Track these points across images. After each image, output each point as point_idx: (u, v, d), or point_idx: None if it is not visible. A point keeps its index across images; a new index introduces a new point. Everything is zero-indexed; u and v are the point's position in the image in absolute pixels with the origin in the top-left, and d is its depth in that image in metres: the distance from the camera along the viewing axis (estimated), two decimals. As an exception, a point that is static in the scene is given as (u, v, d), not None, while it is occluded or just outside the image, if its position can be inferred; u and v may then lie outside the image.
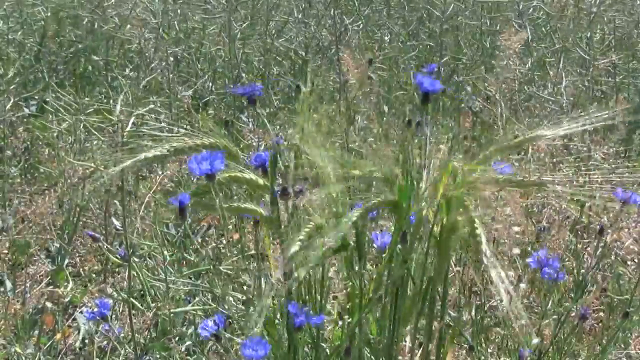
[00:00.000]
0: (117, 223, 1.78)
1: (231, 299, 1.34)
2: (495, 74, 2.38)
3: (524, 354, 1.49)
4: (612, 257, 1.89)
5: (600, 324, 1.80)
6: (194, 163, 1.11)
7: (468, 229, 1.06)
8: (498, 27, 3.21)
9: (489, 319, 1.67)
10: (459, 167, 1.08)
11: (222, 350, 1.69)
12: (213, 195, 1.12)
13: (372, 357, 1.16)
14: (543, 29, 3.29)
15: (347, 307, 1.19)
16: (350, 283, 1.16)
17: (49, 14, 3.02)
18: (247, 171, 1.19)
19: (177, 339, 1.72)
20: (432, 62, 3.10)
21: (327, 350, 1.19)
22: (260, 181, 1.18)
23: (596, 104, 2.93)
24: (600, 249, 1.67)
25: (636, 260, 1.97)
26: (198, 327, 1.73)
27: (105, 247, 1.89)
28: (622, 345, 1.76)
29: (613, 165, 2.32)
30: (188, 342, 1.71)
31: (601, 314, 1.84)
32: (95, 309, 1.54)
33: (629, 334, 1.81)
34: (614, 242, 1.87)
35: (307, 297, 1.19)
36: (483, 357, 1.56)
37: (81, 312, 1.86)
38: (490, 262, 1.01)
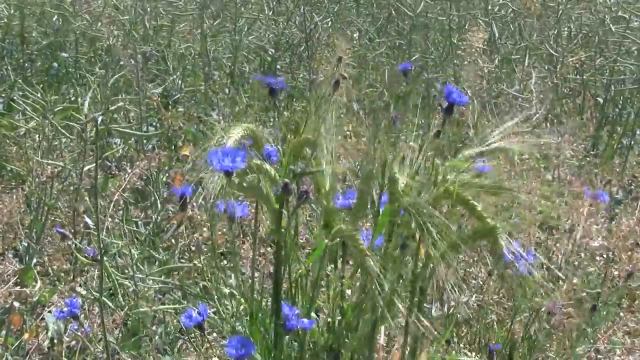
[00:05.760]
0: (89, 221, 1.76)
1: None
2: (464, 71, 2.39)
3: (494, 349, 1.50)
4: (582, 254, 1.91)
5: (569, 320, 1.81)
6: (215, 158, 1.09)
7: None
8: (467, 25, 3.22)
9: (459, 315, 1.67)
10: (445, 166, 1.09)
11: (192, 349, 1.68)
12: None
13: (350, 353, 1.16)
14: (510, 26, 3.31)
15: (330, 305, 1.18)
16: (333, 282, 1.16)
17: (12, 11, 2.99)
18: (267, 162, 1.18)
19: (149, 339, 1.71)
20: (401, 59, 3.11)
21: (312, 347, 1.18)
22: (274, 174, 1.17)
23: (565, 100, 2.96)
24: (569, 246, 1.69)
25: (605, 256, 1.99)
26: (169, 325, 1.73)
27: (74, 245, 1.88)
28: (591, 340, 1.78)
29: (582, 162, 2.35)
30: (160, 343, 1.70)
31: (570, 309, 1.85)
32: (65, 308, 1.52)
33: (597, 329, 1.83)
34: (583, 237, 1.88)
35: (296, 296, 1.18)
36: (454, 352, 1.57)
37: (50, 312, 1.84)
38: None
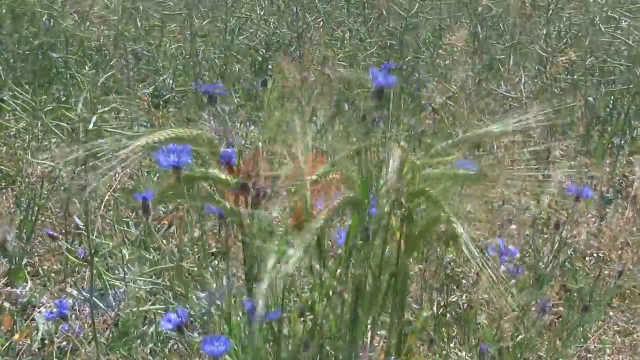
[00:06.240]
0: (78, 221, 1.76)
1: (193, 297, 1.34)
2: (452, 72, 2.39)
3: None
4: (570, 252, 1.91)
5: (559, 319, 1.82)
6: (161, 155, 1.11)
7: (442, 218, 1.08)
8: (457, 25, 3.23)
9: (450, 315, 1.68)
10: (417, 163, 1.09)
11: (183, 349, 1.68)
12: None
13: (332, 352, 1.17)
14: (501, 25, 3.32)
15: (309, 303, 1.19)
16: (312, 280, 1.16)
17: (4, 10, 2.98)
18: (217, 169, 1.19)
19: (139, 339, 1.71)
20: (393, 59, 3.11)
21: (289, 345, 1.19)
22: (228, 178, 1.18)
23: (555, 100, 2.97)
24: (557, 244, 1.69)
25: (595, 255, 2.00)
26: (160, 324, 1.73)
27: (64, 246, 1.88)
28: (582, 339, 1.78)
29: (572, 162, 2.35)
30: (150, 344, 1.70)
31: (560, 308, 1.86)
32: (55, 309, 1.52)
33: (588, 329, 1.83)
34: (573, 237, 1.89)
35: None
36: (445, 352, 1.57)
37: (40, 312, 1.84)
38: (468, 248, 1.03)
